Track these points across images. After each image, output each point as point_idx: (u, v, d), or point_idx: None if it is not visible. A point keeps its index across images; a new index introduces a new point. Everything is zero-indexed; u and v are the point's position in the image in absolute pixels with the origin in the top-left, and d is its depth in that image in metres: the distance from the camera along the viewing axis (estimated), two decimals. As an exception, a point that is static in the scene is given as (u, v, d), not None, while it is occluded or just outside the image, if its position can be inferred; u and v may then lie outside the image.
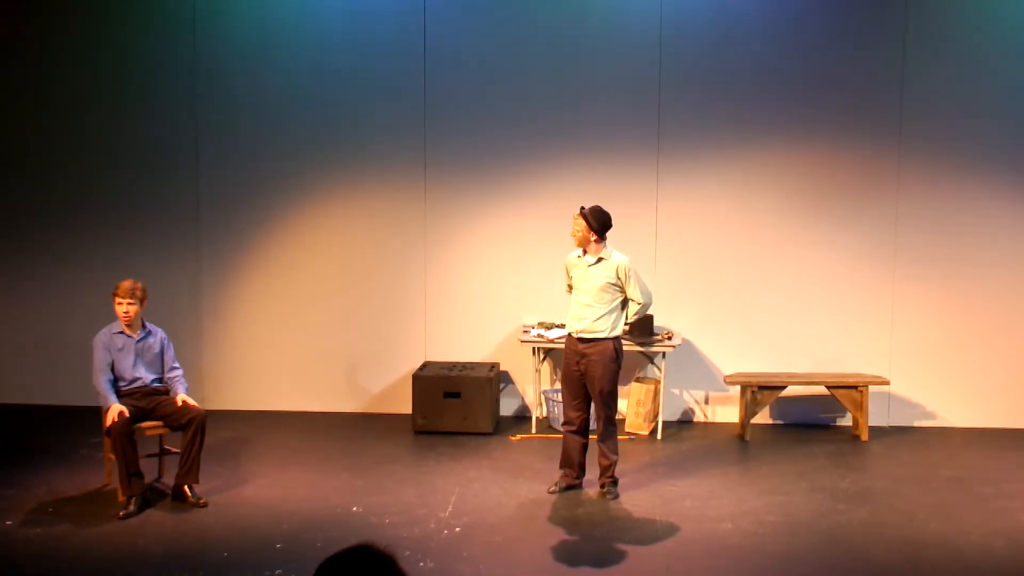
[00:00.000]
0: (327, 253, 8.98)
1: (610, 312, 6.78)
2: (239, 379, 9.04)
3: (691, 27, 8.60)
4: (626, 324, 6.97)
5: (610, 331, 6.78)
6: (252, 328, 9.05)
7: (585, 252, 6.85)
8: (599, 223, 6.76)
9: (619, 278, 6.76)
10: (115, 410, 6.46)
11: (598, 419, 6.92)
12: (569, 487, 7.00)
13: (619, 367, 6.86)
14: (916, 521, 6.55)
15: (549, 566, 5.81)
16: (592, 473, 7.03)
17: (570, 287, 6.97)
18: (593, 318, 6.77)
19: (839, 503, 6.85)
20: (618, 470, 6.96)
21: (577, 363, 6.84)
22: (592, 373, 6.78)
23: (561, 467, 7.05)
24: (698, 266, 8.79)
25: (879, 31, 8.54)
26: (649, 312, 8.41)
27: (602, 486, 6.94)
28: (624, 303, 6.86)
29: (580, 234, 6.81)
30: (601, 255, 6.80)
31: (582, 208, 6.81)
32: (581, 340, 6.81)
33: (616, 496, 6.87)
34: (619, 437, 7.07)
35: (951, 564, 5.92)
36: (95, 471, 7.17)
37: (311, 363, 9.02)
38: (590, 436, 7.01)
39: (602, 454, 6.93)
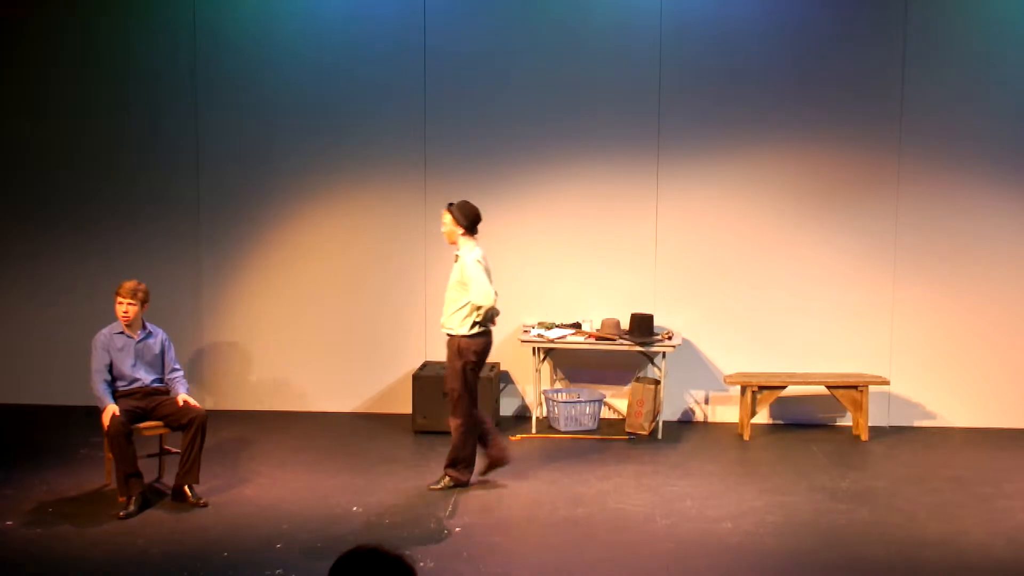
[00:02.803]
0: (327, 253, 8.98)
1: (460, 308, 6.77)
2: (239, 379, 9.05)
3: (691, 27, 8.60)
4: (480, 325, 6.79)
5: (458, 328, 6.78)
6: (252, 328, 9.05)
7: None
8: (466, 217, 6.77)
9: (463, 274, 6.74)
10: (110, 411, 6.45)
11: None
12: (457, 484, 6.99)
13: (466, 364, 6.78)
14: (916, 521, 6.55)
15: (549, 566, 5.81)
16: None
17: None
18: (448, 313, 6.84)
19: (839, 503, 6.85)
20: (618, 469, 6.95)
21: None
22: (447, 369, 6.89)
23: None
24: (698, 266, 8.79)
25: (879, 31, 8.55)
26: (648, 313, 8.44)
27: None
28: None
29: (446, 228, 6.83)
30: (461, 251, 6.81)
31: (450, 204, 6.82)
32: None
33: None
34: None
35: (951, 564, 5.91)
36: (95, 471, 7.17)
37: (311, 363, 9.02)
38: (485, 430, 6.99)
39: None
